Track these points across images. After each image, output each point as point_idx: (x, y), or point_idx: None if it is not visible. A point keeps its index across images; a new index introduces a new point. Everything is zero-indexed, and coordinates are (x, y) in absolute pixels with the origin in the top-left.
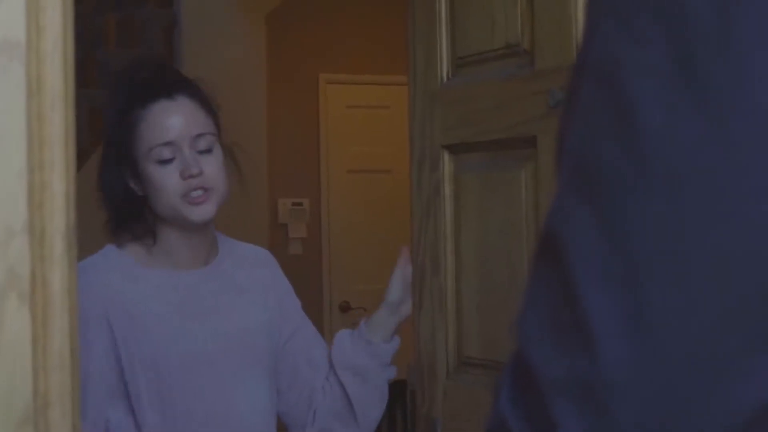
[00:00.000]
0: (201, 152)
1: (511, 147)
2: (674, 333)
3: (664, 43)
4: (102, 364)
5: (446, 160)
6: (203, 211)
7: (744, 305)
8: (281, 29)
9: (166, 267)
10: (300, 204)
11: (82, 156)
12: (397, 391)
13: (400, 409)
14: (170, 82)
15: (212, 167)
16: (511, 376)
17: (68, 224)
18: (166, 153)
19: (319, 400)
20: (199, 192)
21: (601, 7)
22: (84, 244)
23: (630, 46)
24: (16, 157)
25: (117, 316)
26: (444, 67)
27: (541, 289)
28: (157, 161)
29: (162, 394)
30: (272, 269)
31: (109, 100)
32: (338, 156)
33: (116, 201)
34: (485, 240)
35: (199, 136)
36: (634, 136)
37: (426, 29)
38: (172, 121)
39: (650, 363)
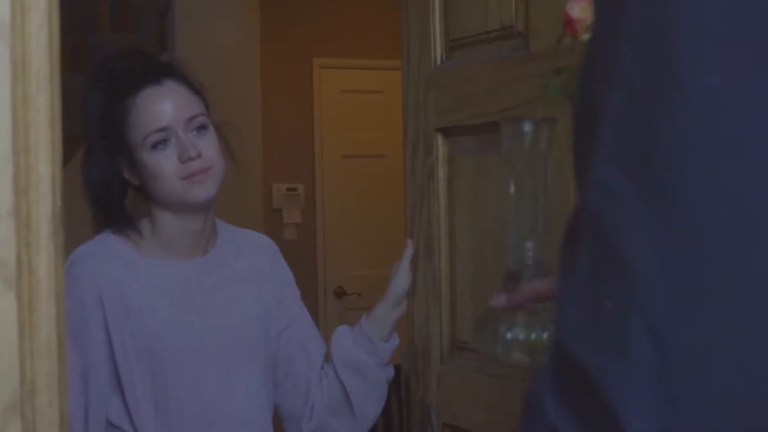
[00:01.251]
0: (195, 133)
1: None
2: (750, 313)
3: (715, 3)
4: (102, 353)
5: (440, 144)
6: (205, 190)
7: None
8: (275, 14)
9: (164, 255)
10: (294, 189)
11: (74, 142)
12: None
13: (395, 394)
14: (155, 68)
15: (209, 147)
16: (556, 377)
17: (54, 209)
18: (161, 137)
19: (316, 396)
20: (198, 174)
21: None
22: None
23: (673, 8)
24: (1, 140)
25: (112, 306)
26: (438, 49)
27: (584, 274)
28: (153, 147)
29: (156, 387)
30: (272, 257)
31: (90, 94)
32: (333, 141)
33: (108, 194)
34: (479, 224)
35: (192, 118)
36: (687, 101)
37: (419, 12)
38: (164, 106)
39: (721, 344)
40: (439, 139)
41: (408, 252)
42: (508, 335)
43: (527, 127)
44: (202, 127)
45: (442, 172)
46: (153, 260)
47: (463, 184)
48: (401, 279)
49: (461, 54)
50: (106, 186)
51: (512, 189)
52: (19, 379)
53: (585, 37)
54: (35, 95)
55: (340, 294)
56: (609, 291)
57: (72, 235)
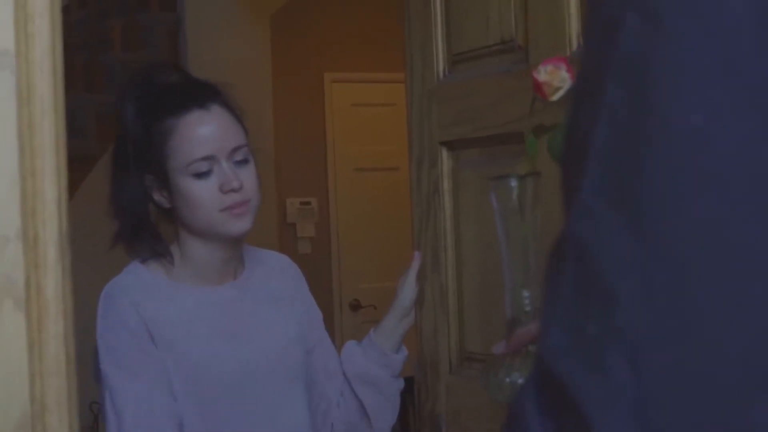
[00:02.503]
0: (237, 164)
1: (508, 142)
2: (723, 338)
3: (704, 39)
4: (164, 385)
5: (444, 157)
6: (243, 225)
7: None
8: (286, 29)
9: (196, 282)
10: (308, 203)
11: (89, 162)
12: (406, 387)
13: (411, 405)
14: (200, 90)
15: (250, 179)
16: (539, 394)
17: (61, 231)
18: (204, 167)
19: (335, 414)
20: (237, 207)
21: (622, 1)
22: (89, 250)
23: (661, 42)
24: (9, 165)
25: (157, 337)
26: (440, 64)
27: (568, 296)
28: (194, 175)
29: (205, 418)
30: (297, 277)
31: (126, 107)
32: (345, 154)
33: (136, 213)
34: (485, 235)
35: (236, 149)
36: (672, 137)
37: (421, 26)
38: (210, 133)
39: (698, 370)
40: (444, 153)
41: (415, 264)
42: (507, 380)
43: (513, 182)
44: (244, 161)
45: (447, 185)
46: (186, 287)
47: (468, 197)
48: (408, 291)
49: (463, 68)
50: (137, 206)
51: (504, 241)
52: (29, 398)
53: (553, 98)
54: (40, 121)
55: (356, 307)
56: (591, 315)
57: (84, 254)
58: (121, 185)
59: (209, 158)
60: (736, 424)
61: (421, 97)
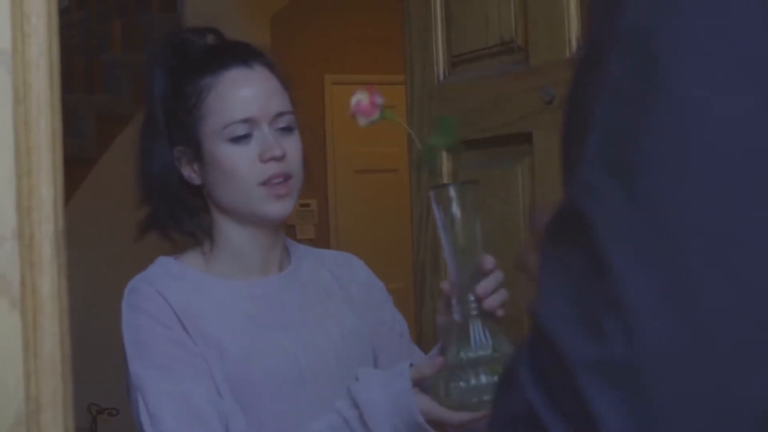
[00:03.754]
0: (281, 131)
1: (507, 144)
2: (719, 310)
3: (708, 13)
4: (204, 381)
5: (444, 159)
6: (283, 207)
7: None
8: (286, 31)
9: (235, 273)
10: (308, 205)
11: (88, 163)
12: None
13: None
14: (245, 48)
15: (295, 150)
16: (532, 359)
17: (57, 230)
18: (243, 130)
19: None
20: (280, 180)
21: None
22: (88, 251)
23: (665, 16)
24: (4, 163)
25: (191, 330)
26: (440, 65)
27: (564, 270)
28: (231, 139)
29: (250, 422)
30: (362, 271)
31: (155, 68)
32: (345, 156)
33: (170, 189)
34: (484, 235)
35: (281, 114)
36: (672, 110)
37: (422, 28)
38: (252, 92)
39: (693, 343)
40: (443, 154)
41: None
42: (451, 385)
43: (452, 192)
44: (288, 129)
45: None
46: (222, 280)
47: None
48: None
49: (463, 69)
50: (170, 180)
51: (448, 248)
52: (25, 397)
53: (363, 124)
54: (36, 119)
55: None
56: (589, 283)
57: (84, 255)
58: (151, 158)
59: (250, 121)
60: (731, 395)
61: (421, 98)
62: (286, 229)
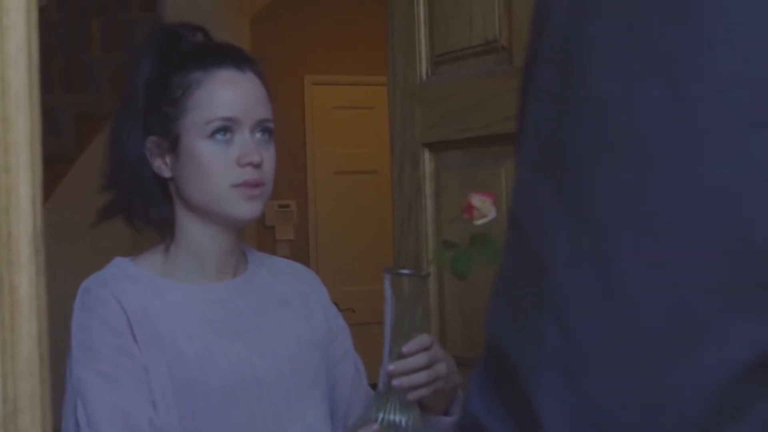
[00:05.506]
0: (260, 140)
1: (491, 144)
2: (645, 301)
3: (618, 15)
4: (141, 390)
5: (427, 159)
6: (253, 209)
7: (713, 270)
8: (266, 32)
9: (190, 277)
10: (287, 206)
11: (66, 162)
12: None
13: None
14: (239, 52)
15: (270, 161)
16: (482, 369)
17: (35, 228)
18: (226, 127)
19: None
20: (252, 186)
21: None
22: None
23: (583, 21)
24: None
25: (143, 333)
26: (423, 65)
27: (508, 273)
28: (212, 135)
29: (201, 428)
30: (312, 282)
31: (143, 57)
32: (325, 157)
33: (139, 175)
34: (467, 237)
35: (263, 121)
36: (592, 107)
37: (404, 27)
38: (241, 95)
39: (622, 333)
40: (426, 155)
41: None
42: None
43: (407, 277)
44: (269, 134)
45: (429, 188)
46: (179, 283)
47: (450, 199)
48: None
49: (446, 69)
50: (140, 166)
51: (388, 324)
52: (2, 399)
53: (477, 223)
54: (15, 116)
55: None
56: (526, 287)
57: (62, 255)
58: (125, 143)
59: (232, 121)
60: (655, 387)
61: (403, 98)
62: (265, 230)
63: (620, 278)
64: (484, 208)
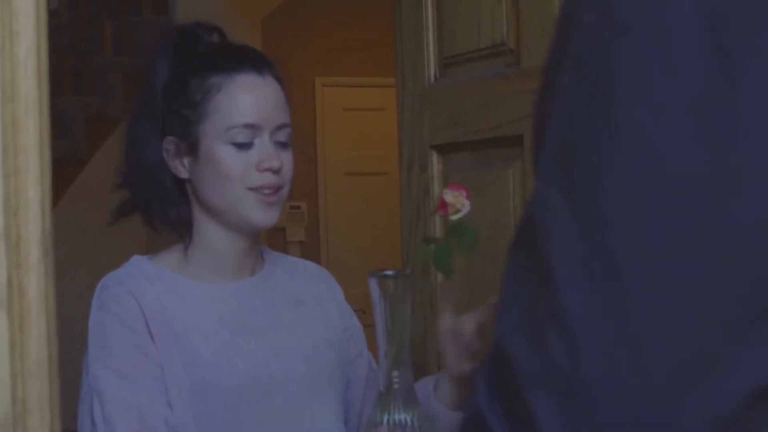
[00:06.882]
0: (279, 145)
1: (498, 146)
2: (653, 329)
3: (651, 38)
4: (157, 388)
5: (435, 161)
6: (270, 216)
7: (723, 302)
8: (277, 33)
9: (207, 276)
10: (298, 207)
11: (78, 165)
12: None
13: None
14: (258, 55)
15: (289, 166)
16: (489, 368)
17: (44, 231)
18: (245, 135)
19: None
20: (271, 191)
21: (580, 2)
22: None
23: (616, 39)
24: None
25: (159, 331)
26: (431, 67)
27: (519, 280)
28: (232, 143)
29: (216, 427)
30: (327, 282)
31: (160, 58)
32: (336, 159)
33: (158, 175)
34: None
35: (281, 126)
36: (616, 129)
37: (413, 30)
38: (261, 100)
39: (629, 359)
40: (434, 157)
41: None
42: None
43: (392, 277)
44: (286, 143)
45: (437, 189)
46: (197, 282)
47: None
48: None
49: (454, 71)
50: (158, 167)
51: (380, 326)
52: (11, 399)
53: (453, 217)
54: (24, 119)
55: None
56: (538, 296)
57: (72, 257)
58: (143, 143)
59: (253, 127)
60: (667, 416)
61: (412, 101)
62: (276, 231)
63: (630, 306)
64: (458, 203)
